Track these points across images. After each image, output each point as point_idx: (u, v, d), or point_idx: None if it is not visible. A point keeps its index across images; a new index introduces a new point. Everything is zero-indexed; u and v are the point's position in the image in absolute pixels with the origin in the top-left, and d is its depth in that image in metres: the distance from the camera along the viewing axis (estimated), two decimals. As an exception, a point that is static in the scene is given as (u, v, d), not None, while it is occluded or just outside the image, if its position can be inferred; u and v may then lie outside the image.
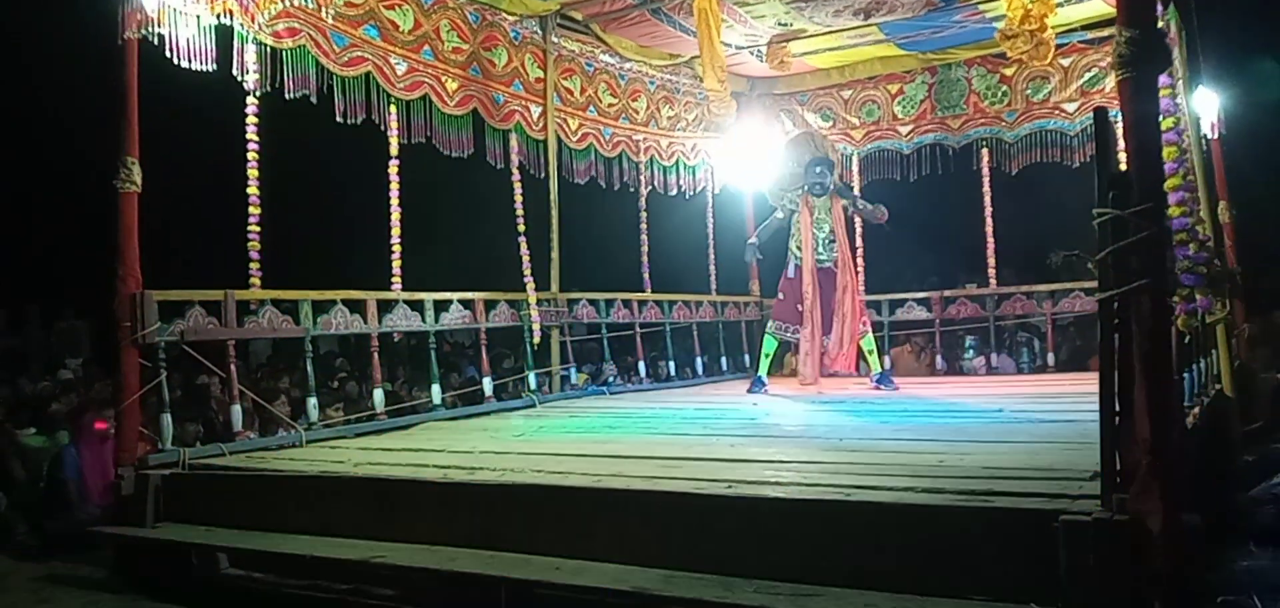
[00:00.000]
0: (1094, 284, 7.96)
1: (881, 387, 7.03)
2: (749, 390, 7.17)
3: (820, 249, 7.01)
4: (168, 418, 4.77)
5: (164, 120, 5.49)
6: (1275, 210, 9.15)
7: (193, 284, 5.10)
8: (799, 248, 7.02)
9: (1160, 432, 2.33)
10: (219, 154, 6.07)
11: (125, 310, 4.65)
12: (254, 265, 5.36)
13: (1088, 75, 7.75)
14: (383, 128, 6.07)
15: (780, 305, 7.14)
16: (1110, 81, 7.58)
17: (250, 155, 5.40)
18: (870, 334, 7.24)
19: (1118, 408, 2.55)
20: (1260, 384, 6.72)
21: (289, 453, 4.92)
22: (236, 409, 5.14)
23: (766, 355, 7.29)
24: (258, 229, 5.39)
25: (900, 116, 8.75)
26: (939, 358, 8.60)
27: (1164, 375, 2.42)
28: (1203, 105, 6.26)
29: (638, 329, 8.11)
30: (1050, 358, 8.24)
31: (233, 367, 5.20)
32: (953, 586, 2.64)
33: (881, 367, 7.29)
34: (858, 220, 8.17)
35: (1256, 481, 4.31)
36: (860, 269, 8.67)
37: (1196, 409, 3.99)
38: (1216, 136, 6.83)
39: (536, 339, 6.97)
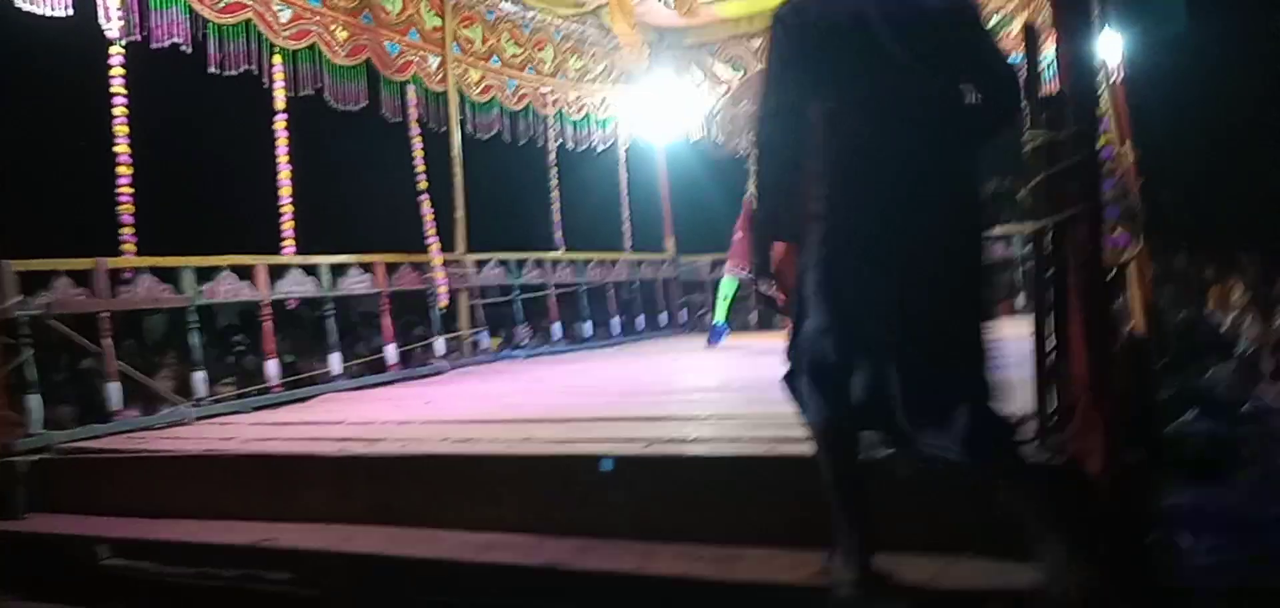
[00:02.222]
0: (1004, 230, 8.00)
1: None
2: (709, 343, 6.85)
3: None
4: (36, 399, 4.35)
5: (24, 75, 5.02)
6: (1174, 152, 9.39)
7: (63, 254, 4.67)
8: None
9: (1099, 368, 2.22)
10: (84, 111, 5.59)
11: (-22, 284, 4.22)
12: (127, 231, 4.93)
13: (995, 19, 7.72)
14: (267, 80, 5.67)
15: (740, 245, 6.62)
16: (1017, 25, 7.58)
17: (117, 111, 4.95)
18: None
19: (1050, 346, 2.44)
20: (1166, 323, 6.86)
21: (175, 432, 4.57)
22: (113, 387, 4.74)
23: (725, 298, 6.83)
24: (130, 192, 4.96)
25: (811, 65, 8.61)
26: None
27: (1103, 308, 2.31)
28: (1108, 47, 6.28)
29: (551, 290, 7.85)
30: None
31: (108, 339, 4.78)
32: (885, 539, 2.50)
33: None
34: None
35: (1173, 417, 4.33)
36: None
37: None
38: (1119, 79, 6.87)
39: (443, 303, 6.66)
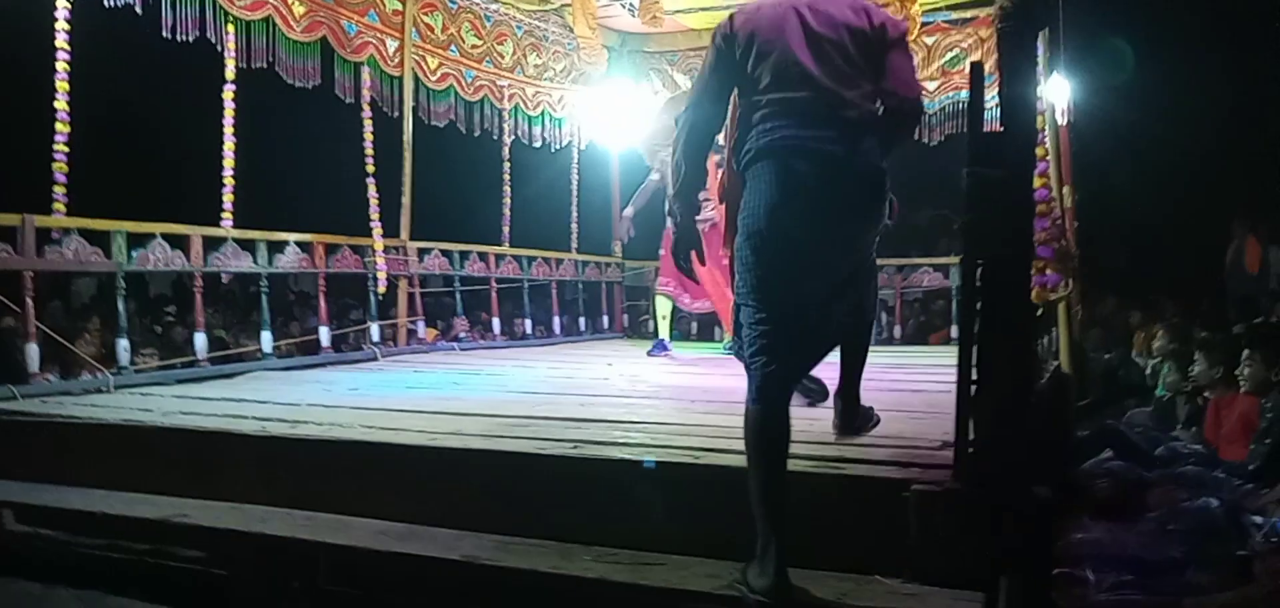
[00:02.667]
0: (943, 261, 8.16)
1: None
2: (650, 353, 6.81)
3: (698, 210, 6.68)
4: (-53, 356, 4.22)
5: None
6: (1113, 198, 9.66)
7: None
8: None
9: (1015, 402, 2.26)
10: (24, 63, 5.42)
11: (-106, 233, 4.07)
12: (59, 189, 4.81)
13: (949, 55, 7.86)
14: (219, 48, 5.55)
15: (666, 264, 6.71)
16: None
17: (59, 65, 4.83)
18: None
19: (974, 376, 2.48)
20: (1092, 364, 7.04)
21: (93, 399, 4.44)
22: (31, 348, 4.59)
23: (663, 317, 6.84)
24: (65, 150, 4.83)
25: (766, 84, 8.69)
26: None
27: (1023, 344, 2.36)
28: (1056, 92, 6.42)
29: (493, 284, 7.80)
30: (897, 331, 8.41)
31: (30, 299, 4.63)
32: (800, 554, 2.52)
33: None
34: None
35: (1090, 455, 4.44)
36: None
37: (1041, 383, 4.06)
38: (1066, 123, 7.04)
39: (382, 289, 6.57)
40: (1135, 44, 10.21)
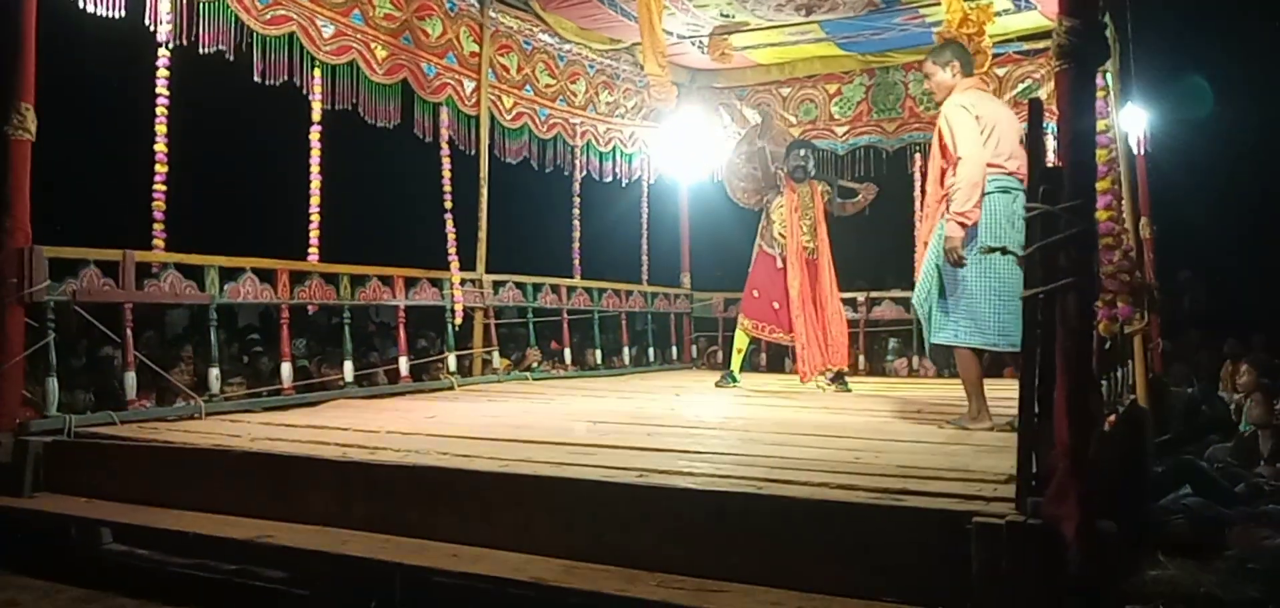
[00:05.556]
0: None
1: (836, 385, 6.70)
2: (717, 385, 6.92)
3: (806, 237, 6.71)
4: (53, 382, 4.46)
5: (68, 67, 5.18)
6: (1195, 232, 9.38)
7: (92, 244, 4.81)
8: (782, 236, 6.67)
9: (1079, 435, 2.26)
10: (127, 108, 5.76)
11: (12, 266, 4.32)
12: (158, 226, 5.08)
13: (1021, 86, 7.80)
14: (305, 92, 5.82)
15: (754, 303, 6.80)
16: (1044, 93, 7.64)
17: (159, 110, 5.10)
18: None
19: (1037, 409, 2.48)
20: (1173, 399, 6.85)
21: (185, 425, 4.66)
22: (130, 376, 4.85)
23: (739, 351, 6.93)
24: (163, 189, 5.11)
25: (837, 117, 8.73)
26: (861, 357, 8.59)
27: (1086, 378, 2.36)
28: (1131, 121, 6.33)
29: (565, 315, 7.94)
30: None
31: (129, 330, 4.90)
32: (862, 585, 2.55)
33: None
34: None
35: (1166, 491, 4.34)
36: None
37: (1113, 417, 3.99)
38: (1142, 153, 6.92)
39: (458, 320, 6.77)
40: (1216, 76, 9.95)
